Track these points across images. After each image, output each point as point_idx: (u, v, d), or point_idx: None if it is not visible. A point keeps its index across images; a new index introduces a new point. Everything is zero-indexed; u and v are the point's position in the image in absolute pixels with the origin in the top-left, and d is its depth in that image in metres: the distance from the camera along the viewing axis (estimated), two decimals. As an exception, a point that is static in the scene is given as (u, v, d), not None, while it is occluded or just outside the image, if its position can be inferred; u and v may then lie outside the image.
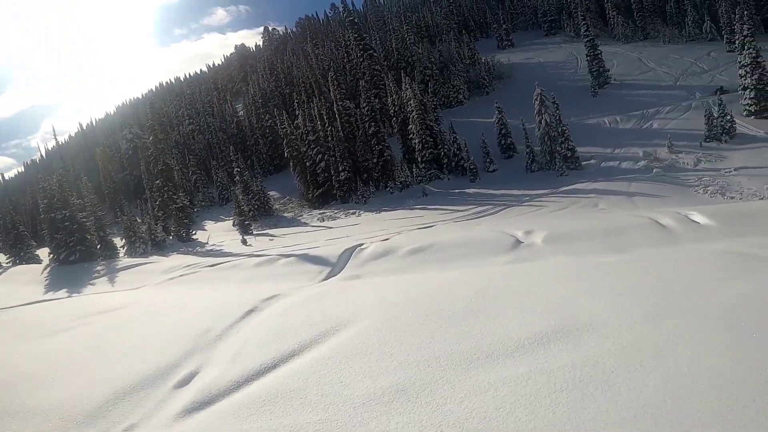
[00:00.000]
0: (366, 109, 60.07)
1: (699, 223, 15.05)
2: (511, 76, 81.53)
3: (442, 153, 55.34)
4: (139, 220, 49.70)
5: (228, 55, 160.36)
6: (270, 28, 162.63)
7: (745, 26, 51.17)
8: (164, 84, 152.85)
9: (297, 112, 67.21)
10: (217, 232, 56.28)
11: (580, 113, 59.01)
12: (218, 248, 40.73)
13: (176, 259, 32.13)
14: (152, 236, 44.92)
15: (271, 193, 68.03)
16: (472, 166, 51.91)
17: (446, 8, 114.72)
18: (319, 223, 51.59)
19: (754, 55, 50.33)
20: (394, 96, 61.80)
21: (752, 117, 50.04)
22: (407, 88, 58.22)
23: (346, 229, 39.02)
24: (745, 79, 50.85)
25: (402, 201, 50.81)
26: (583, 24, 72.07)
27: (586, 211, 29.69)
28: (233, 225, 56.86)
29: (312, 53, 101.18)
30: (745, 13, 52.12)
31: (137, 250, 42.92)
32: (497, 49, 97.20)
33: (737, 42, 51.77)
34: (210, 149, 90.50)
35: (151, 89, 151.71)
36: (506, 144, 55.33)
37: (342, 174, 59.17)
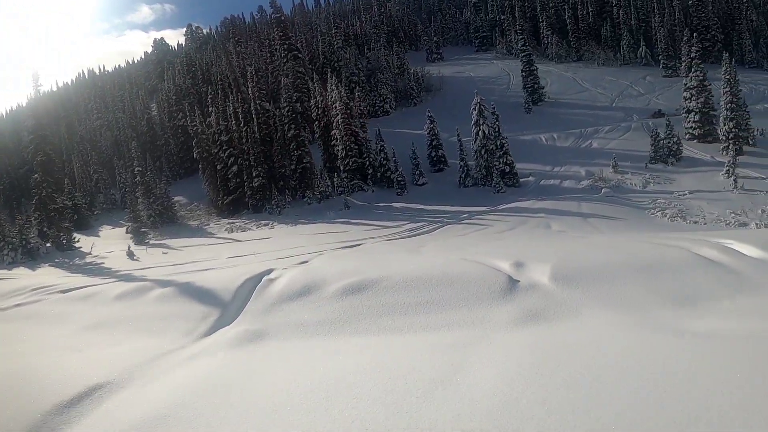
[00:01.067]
0: (286, 110, 52.76)
1: (754, 257, 9.11)
2: (440, 88, 76.91)
3: (367, 162, 48.88)
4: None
5: (148, 51, 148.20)
6: (194, 27, 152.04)
7: (693, 48, 48.28)
8: (79, 76, 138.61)
9: (210, 109, 59.06)
10: (110, 240, 47.64)
11: (513, 129, 54.35)
12: (100, 261, 32.83)
13: (36, 276, 24.96)
14: (23, 242, 35.80)
15: (178, 198, 59.60)
16: (399, 178, 45.74)
17: (376, 17, 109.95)
18: (226, 235, 43.92)
19: (701, 77, 47.40)
20: (318, 98, 54.94)
21: (695, 141, 46.93)
22: (333, 89, 51.56)
23: (255, 244, 31.80)
24: (689, 102, 47.80)
25: (321, 213, 43.80)
26: (520, 38, 68.55)
27: (547, 234, 24.05)
28: (126, 232, 48.49)
29: (234, 51, 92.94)
30: (694, 35, 49.11)
31: (4, 258, 34.07)
32: (426, 62, 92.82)
33: (683, 64, 49.02)
34: (117, 147, 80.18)
35: (66, 82, 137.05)
36: (437, 156, 49.66)
37: (256, 180, 51.46)
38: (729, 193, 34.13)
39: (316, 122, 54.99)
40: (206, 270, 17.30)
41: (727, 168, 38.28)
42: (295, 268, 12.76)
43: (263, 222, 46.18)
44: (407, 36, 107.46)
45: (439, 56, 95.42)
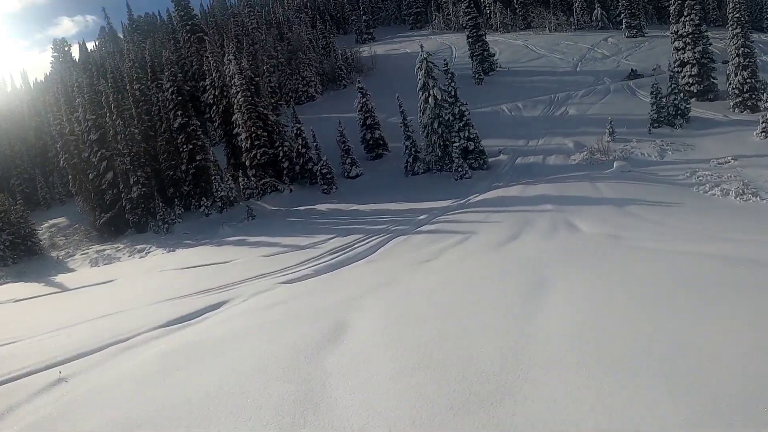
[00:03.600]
0: (170, 91, 39.07)
1: None
2: (374, 67, 64.62)
3: (281, 154, 35.92)
4: None
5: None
6: (107, 29, 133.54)
7: (680, -16, 37.55)
8: None
9: (77, 100, 44.51)
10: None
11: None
12: None
13: None
14: None
15: (59, 220, 45.51)
16: (324, 170, 33.09)
17: (299, 1, 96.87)
18: (89, 268, 30.73)
19: (696, 21, 36.89)
20: (214, 75, 41.42)
21: (693, 99, 36.18)
22: (230, 60, 38.26)
23: (81, 297, 18.76)
24: (683, 53, 37.19)
25: (216, 228, 30.69)
26: (464, 9, 56.43)
27: (590, 244, 12.01)
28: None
29: (131, 43, 77.64)
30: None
31: None
32: (357, 44, 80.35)
33: (673, 7, 37.99)
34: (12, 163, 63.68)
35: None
36: (373, 139, 37.27)
37: (134, 189, 37.58)
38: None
39: (214, 107, 41.51)
40: None
41: (764, 125, 27.65)
42: None
43: (140, 247, 32.77)
44: (334, 19, 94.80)
45: (370, 37, 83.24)
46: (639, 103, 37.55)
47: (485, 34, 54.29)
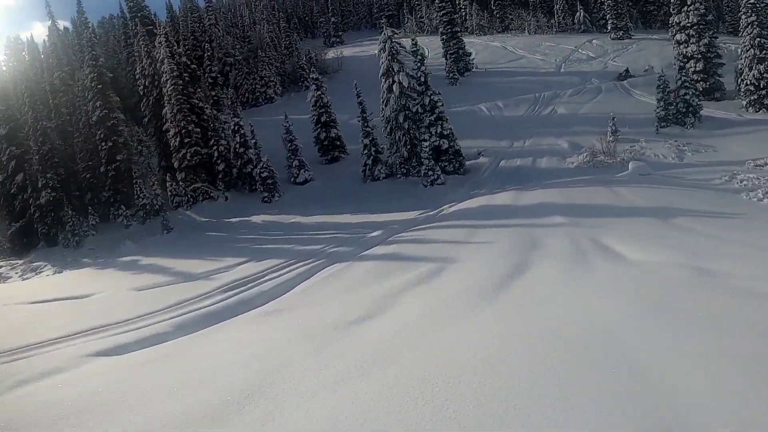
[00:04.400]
0: (90, 78, 32.48)
1: None
2: (339, 69, 58.88)
3: (216, 154, 29.54)
4: None
5: None
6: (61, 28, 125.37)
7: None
8: None
9: (-11, 96, 37.42)
10: None
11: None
12: None
13: None
14: None
15: None
16: (264, 174, 26.84)
17: (266, 4, 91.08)
18: None
19: (702, 10, 31.85)
20: (144, 62, 34.90)
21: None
22: (162, 42, 31.85)
23: None
24: (686, 46, 32.07)
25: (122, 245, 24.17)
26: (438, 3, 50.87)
27: (677, 292, 5.76)
28: None
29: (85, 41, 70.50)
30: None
31: None
32: (324, 47, 74.60)
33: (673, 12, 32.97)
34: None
35: None
36: (329, 140, 31.12)
37: (43, 194, 30.83)
38: None
39: (144, 99, 34.97)
40: None
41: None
42: None
43: (37, 264, 26.24)
44: (302, 22, 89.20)
45: (338, 40, 77.63)
46: (636, 102, 32.34)
47: (461, 31, 48.97)
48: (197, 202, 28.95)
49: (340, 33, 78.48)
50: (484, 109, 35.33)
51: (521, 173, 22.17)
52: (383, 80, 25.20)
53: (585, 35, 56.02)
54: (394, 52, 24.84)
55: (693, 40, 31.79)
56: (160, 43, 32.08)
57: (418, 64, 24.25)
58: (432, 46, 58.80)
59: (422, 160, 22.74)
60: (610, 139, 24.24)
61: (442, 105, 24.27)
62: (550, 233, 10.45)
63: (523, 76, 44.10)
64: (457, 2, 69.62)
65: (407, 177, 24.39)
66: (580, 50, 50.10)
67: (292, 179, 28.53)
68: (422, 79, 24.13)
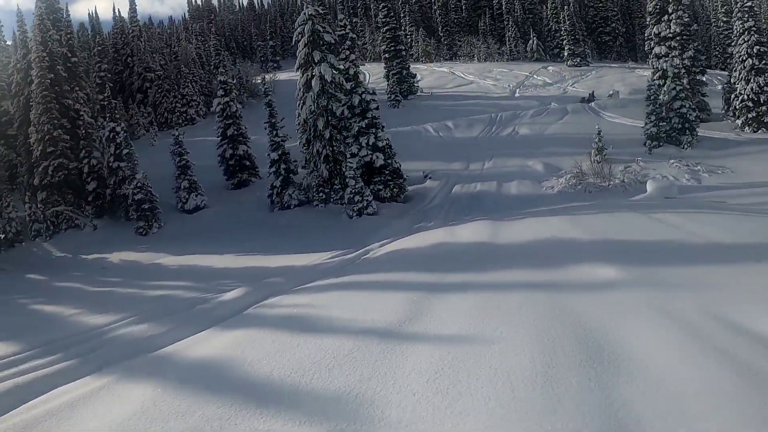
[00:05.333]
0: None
1: None
2: (270, 92, 51.66)
3: (87, 169, 21.81)
4: None
5: None
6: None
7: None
8: None
9: None
10: None
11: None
12: None
13: None
14: None
15: None
16: (137, 195, 19.27)
17: (204, 26, 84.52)
18: None
19: (686, 18, 26.99)
20: (19, 53, 27.06)
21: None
22: (36, 29, 24.19)
23: None
24: (666, 60, 26.98)
25: None
26: (382, 17, 45.16)
27: None
28: None
29: None
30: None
31: None
32: (261, 72, 68.04)
33: (652, 3, 28.06)
34: None
35: None
36: (236, 159, 23.91)
37: None
38: None
39: (15, 99, 26.97)
40: None
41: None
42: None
43: None
44: (240, 46, 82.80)
45: (275, 65, 71.37)
46: (611, 123, 26.94)
47: (405, 50, 43.40)
48: (59, 231, 21.03)
49: (278, 58, 72.22)
50: (430, 129, 29.16)
51: (485, 201, 15.70)
52: (300, 74, 18.54)
53: (539, 63, 51.58)
54: (316, 35, 18.25)
55: (676, 52, 26.77)
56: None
57: (347, 52, 17.73)
58: (374, 71, 53.22)
59: (347, 180, 15.91)
60: (596, 159, 18.23)
61: (377, 108, 17.71)
62: (616, 311, 3.78)
63: (475, 99, 38.48)
64: (403, 29, 64.91)
65: (327, 204, 17.47)
66: (535, 76, 45.32)
67: (180, 205, 21.15)
68: (351, 72, 17.59)
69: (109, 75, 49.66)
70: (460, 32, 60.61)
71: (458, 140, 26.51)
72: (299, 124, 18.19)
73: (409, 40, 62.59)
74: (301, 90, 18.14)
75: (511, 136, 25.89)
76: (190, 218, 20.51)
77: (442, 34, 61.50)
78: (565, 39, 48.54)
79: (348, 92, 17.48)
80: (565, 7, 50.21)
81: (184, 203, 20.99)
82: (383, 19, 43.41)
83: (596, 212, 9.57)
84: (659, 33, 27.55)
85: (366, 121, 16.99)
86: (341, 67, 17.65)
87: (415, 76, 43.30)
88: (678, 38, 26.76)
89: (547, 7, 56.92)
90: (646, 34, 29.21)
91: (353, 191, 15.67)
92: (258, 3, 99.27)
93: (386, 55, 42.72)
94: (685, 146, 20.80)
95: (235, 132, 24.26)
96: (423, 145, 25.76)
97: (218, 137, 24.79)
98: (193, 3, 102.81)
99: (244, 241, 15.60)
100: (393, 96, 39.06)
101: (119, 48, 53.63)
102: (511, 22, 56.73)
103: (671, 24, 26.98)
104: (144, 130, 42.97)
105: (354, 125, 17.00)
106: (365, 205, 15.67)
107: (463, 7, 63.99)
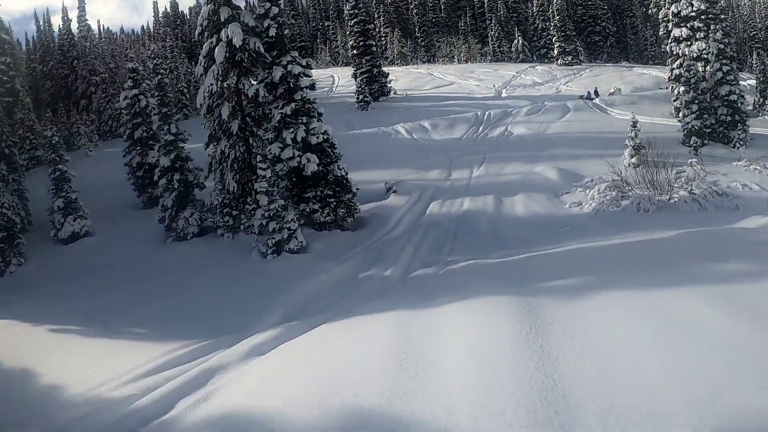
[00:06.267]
0: None
1: None
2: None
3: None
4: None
5: None
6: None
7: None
8: None
9: None
10: None
11: (340, 127, 24.84)
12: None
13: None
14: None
15: None
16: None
17: (169, 32, 78.86)
18: None
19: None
20: None
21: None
22: None
23: None
24: (688, 45, 21.30)
25: None
26: (351, 12, 39.07)
27: None
28: None
29: None
30: None
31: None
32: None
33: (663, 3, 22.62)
34: None
35: None
36: (146, 170, 17.67)
37: None
38: None
39: None
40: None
41: None
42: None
43: None
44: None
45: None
46: (624, 122, 21.19)
47: (377, 45, 37.74)
48: None
49: (245, 64, 65.93)
50: (402, 130, 23.22)
51: (477, 226, 9.80)
52: (205, 40, 12.40)
53: (525, 64, 46.15)
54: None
55: (700, 34, 21.19)
56: None
57: (267, 5, 11.68)
58: (344, 74, 47.63)
59: (257, 197, 9.76)
60: (632, 162, 12.38)
61: (312, 87, 11.74)
62: None
63: (456, 100, 32.69)
64: (377, 30, 59.32)
65: (237, 233, 11.31)
66: (523, 75, 39.85)
67: (54, 232, 14.85)
68: (273, 33, 11.55)
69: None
70: (439, 33, 55.04)
71: (437, 143, 20.56)
72: (200, 110, 12.07)
73: (384, 42, 56.98)
74: (203, 65, 12.04)
75: (504, 137, 20.03)
76: (61, 251, 14.22)
77: (419, 35, 55.90)
78: (555, 36, 43.19)
79: (270, 64, 11.44)
80: (554, 1, 44.78)
81: (59, 230, 14.68)
82: (351, 11, 37.51)
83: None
84: (679, 12, 21.99)
85: (293, 106, 10.92)
86: (257, 28, 11.57)
87: (387, 75, 37.48)
88: (703, 17, 21.23)
89: (532, 5, 51.61)
90: (660, 16, 23.58)
91: (266, 214, 9.55)
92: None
93: (354, 51, 36.96)
94: (737, 145, 15.15)
95: (145, 134, 18.07)
96: (390, 149, 19.78)
97: (125, 139, 18.67)
98: (160, 11, 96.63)
99: (92, 296, 9.47)
100: (361, 97, 33.19)
101: (66, 50, 47.56)
102: (494, 21, 51.29)
103: (687, 3, 21.48)
104: (86, 138, 36.76)
105: (274, 111, 10.94)
106: (286, 236, 9.57)
107: (442, 7, 58.54)
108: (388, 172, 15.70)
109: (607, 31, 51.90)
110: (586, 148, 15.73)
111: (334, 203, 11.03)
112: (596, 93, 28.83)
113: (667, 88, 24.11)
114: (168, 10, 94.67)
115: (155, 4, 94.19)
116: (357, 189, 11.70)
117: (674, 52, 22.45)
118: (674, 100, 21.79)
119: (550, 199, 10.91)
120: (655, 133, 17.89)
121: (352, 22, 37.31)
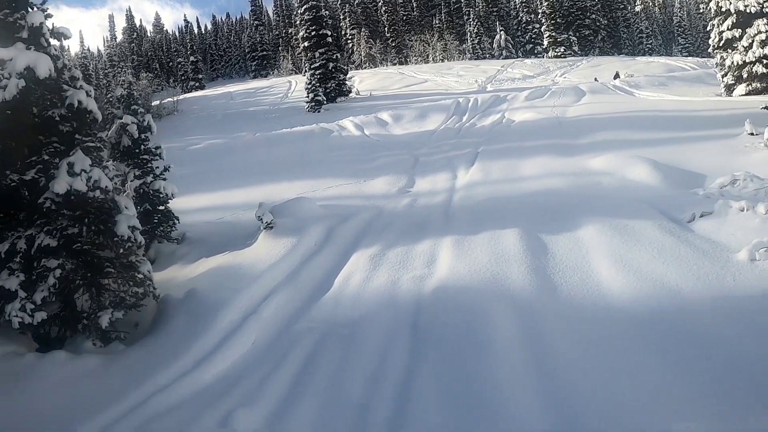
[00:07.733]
0: None
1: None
2: (175, 111, 37.69)
3: None
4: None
5: None
6: None
7: None
8: None
9: None
10: None
11: (262, 130, 17.48)
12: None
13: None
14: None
15: None
16: None
17: (125, 48, 72.01)
18: None
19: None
20: None
21: None
22: None
23: None
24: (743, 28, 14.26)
25: None
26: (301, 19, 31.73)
27: None
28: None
29: None
30: None
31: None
32: (182, 93, 54.38)
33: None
34: None
35: None
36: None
37: None
38: None
39: None
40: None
41: None
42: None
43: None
44: (164, 68, 69.36)
45: (198, 84, 57.46)
46: (663, 101, 14.13)
47: (331, 37, 30.36)
48: None
49: (200, 76, 58.27)
50: (350, 126, 15.69)
51: (488, 367, 2.27)
52: None
53: (510, 60, 39.30)
54: None
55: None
56: None
57: None
58: (303, 80, 40.28)
59: None
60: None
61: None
62: None
63: (430, 96, 25.40)
64: (344, 33, 52.40)
65: None
66: (510, 69, 32.83)
67: None
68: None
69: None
70: (412, 32, 48.11)
71: (397, 139, 13.13)
72: None
73: (351, 45, 49.97)
74: None
75: (503, 125, 12.64)
76: None
77: (389, 35, 48.96)
78: (545, 25, 36.32)
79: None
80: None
81: None
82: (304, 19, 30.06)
83: None
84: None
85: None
86: None
87: (347, 72, 30.14)
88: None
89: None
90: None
91: None
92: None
93: (306, 44, 29.47)
94: None
95: None
96: (325, 151, 12.35)
97: None
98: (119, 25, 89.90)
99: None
100: (312, 96, 25.68)
101: None
102: (472, 17, 44.45)
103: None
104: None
105: None
106: None
107: (414, 4, 51.78)
108: (301, 184, 8.37)
109: (598, 24, 45.36)
110: (659, 130, 8.60)
111: (79, 281, 3.54)
112: (617, 75, 22.37)
113: (715, 65, 17.25)
114: (129, 25, 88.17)
115: None
116: (185, 233, 4.28)
117: (722, 9, 15.52)
118: (723, 75, 15.14)
119: (677, 235, 3.61)
120: (710, 112, 10.90)
121: (303, 9, 29.91)
